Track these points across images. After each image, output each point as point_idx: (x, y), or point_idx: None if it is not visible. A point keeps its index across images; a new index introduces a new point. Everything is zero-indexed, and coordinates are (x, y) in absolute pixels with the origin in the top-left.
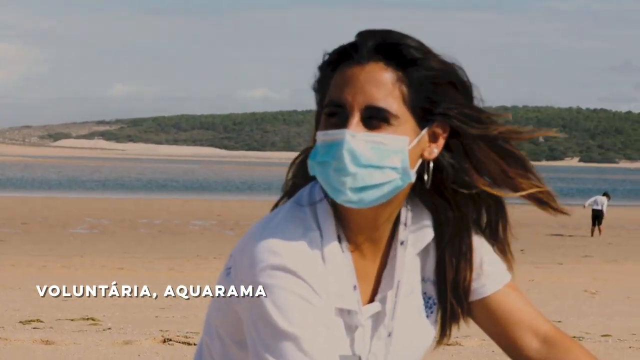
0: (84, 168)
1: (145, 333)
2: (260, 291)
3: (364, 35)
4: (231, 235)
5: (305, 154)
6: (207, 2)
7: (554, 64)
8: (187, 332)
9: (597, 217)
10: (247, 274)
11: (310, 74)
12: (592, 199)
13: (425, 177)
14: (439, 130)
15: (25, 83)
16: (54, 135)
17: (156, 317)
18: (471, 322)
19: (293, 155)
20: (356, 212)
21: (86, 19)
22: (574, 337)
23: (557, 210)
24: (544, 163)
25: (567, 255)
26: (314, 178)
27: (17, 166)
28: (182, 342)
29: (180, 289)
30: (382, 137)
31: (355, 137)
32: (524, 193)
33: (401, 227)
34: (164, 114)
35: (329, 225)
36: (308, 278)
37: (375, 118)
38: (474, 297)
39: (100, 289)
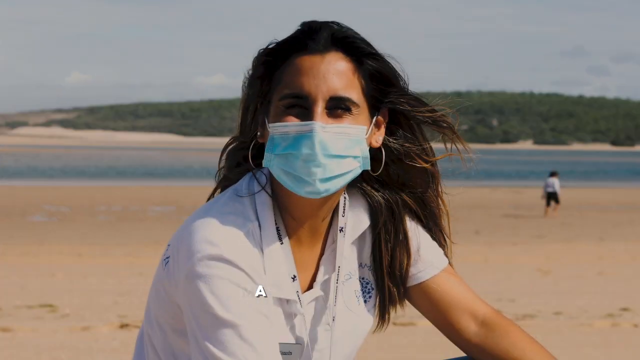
0: (42, 156)
1: (103, 319)
2: (198, 281)
3: (315, 26)
4: None
5: (236, 142)
6: None
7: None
8: None
9: (551, 198)
10: (184, 264)
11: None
12: (544, 183)
13: (382, 163)
14: (381, 118)
15: None
16: (11, 123)
17: (115, 302)
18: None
19: None
20: (304, 203)
21: (43, 6)
22: (527, 315)
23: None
24: (498, 146)
25: (521, 236)
26: (240, 168)
27: None
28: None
29: (139, 274)
30: (347, 128)
31: (325, 129)
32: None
33: (340, 215)
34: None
35: (268, 216)
36: (246, 268)
37: (339, 108)
38: (412, 282)
39: (59, 275)
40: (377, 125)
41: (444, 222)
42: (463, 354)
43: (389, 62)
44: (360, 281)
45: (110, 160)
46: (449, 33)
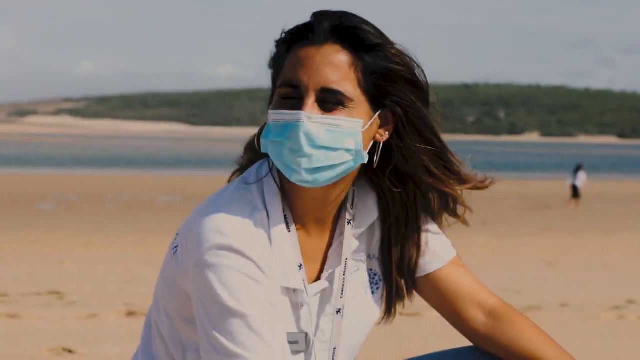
0: (51, 145)
1: (110, 306)
2: (207, 270)
3: (319, 16)
4: None
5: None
6: None
7: (515, 41)
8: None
9: (574, 190)
10: (193, 253)
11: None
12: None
13: (375, 158)
14: (389, 115)
15: None
16: (21, 112)
17: (122, 290)
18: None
19: None
20: (305, 192)
21: None
22: (532, 306)
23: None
24: (504, 138)
25: (527, 227)
26: (265, 154)
27: None
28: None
29: (147, 263)
30: (338, 120)
31: (312, 119)
32: (444, 189)
33: (348, 207)
34: (130, 91)
35: (276, 205)
36: (254, 257)
37: (330, 101)
38: (420, 273)
39: (67, 263)
40: (386, 121)
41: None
42: (470, 344)
43: (397, 60)
44: (368, 273)
45: (119, 150)
46: (456, 24)
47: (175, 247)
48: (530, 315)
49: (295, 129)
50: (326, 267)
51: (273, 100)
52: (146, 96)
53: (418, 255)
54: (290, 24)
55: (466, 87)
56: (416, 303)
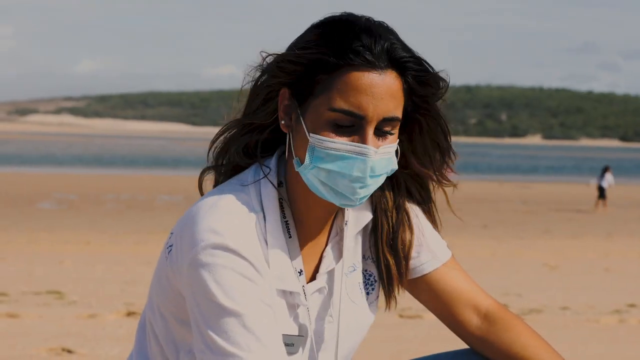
0: (51, 143)
1: (109, 307)
2: (202, 270)
3: (372, 34)
4: None
5: (242, 125)
6: None
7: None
8: None
9: (602, 192)
10: (188, 252)
11: (276, 49)
12: (598, 178)
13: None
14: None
15: None
16: (21, 110)
17: (122, 290)
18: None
19: None
20: (314, 199)
21: None
22: (533, 310)
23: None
24: (507, 140)
25: (528, 231)
26: (249, 154)
27: None
28: None
29: (147, 263)
30: (391, 147)
31: (377, 153)
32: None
33: (345, 208)
34: (131, 90)
35: (273, 208)
36: (249, 257)
37: (387, 128)
38: (415, 274)
39: (67, 263)
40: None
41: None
42: (466, 347)
43: (430, 77)
44: (363, 273)
45: (120, 149)
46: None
47: (170, 246)
48: (531, 318)
49: (363, 164)
50: (322, 267)
51: (308, 114)
52: (147, 95)
53: (412, 238)
54: (290, 24)
55: (468, 89)
56: (416, 306)
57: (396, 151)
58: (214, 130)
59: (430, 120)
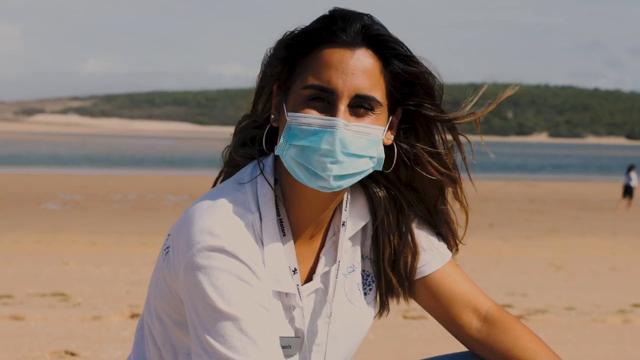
0: (58, 143)
1: (114, 308)
2: (198, 272)
3: (346, 17)
4: None
5: (247, 120)
6: None
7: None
8: None
9: (627, 191)
10: (184, 254)
11: None
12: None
13: (392, 163)
14: (394, 118)
15: None
16: (28, 110)
17: (127, 292)
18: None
19: None
20: (312, 196)
21: None
22: (538, 310)
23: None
24: (513, 138)
25: (534, 230)
26: (246, 149)
27: None
28: None
29: (153, 264)
30: (368, 128)
31: (348, 127)
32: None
33: (343, 209)
34: (137, 90)
35: (269, 208)
36: (246, 260)
37: (362, 107)
38: (415, 276)
39: (72, 264)
40: (392, 124)
41: (454, 225)
42: (465, 349)
43: (418, 65)
44: (361, 274)
45: (126, 149)
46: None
47: (167, 248)
48: (536, 318)
49: (332, 136)
50: (318, 268)
51: (289, 98)
52: (153, 95)
53: (414, 257)
54: (290, 24)
55: (474, 87)
56: (420, 307)
57: (398, 155)
58: (220, 130)
59: (422, 127)
